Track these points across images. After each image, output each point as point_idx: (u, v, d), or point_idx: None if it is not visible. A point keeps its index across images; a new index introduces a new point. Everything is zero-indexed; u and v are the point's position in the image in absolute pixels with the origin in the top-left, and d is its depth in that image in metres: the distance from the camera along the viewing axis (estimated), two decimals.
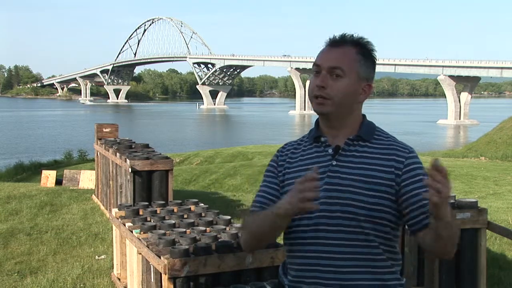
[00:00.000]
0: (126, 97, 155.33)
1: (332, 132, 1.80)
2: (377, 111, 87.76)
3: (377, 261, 1.72)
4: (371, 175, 1.71)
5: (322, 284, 1.72)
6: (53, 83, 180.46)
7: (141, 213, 4.65)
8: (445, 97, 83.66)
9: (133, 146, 7.54)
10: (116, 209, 4.86)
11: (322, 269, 1.71)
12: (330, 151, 1.78)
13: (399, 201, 1.72)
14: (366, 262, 1.71)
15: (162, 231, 3.94)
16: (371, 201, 1.69)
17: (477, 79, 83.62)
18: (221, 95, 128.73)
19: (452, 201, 3.80)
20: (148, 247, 3.65)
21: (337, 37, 1.77)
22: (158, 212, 4.62)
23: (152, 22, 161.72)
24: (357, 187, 1.70)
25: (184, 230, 4.03)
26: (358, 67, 1.75)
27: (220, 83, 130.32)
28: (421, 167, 1.75)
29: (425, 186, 1.61)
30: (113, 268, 5.27)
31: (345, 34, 1.78)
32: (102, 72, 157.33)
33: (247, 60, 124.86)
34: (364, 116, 1.84)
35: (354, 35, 1.78)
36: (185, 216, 4.49)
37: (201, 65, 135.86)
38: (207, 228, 4.05)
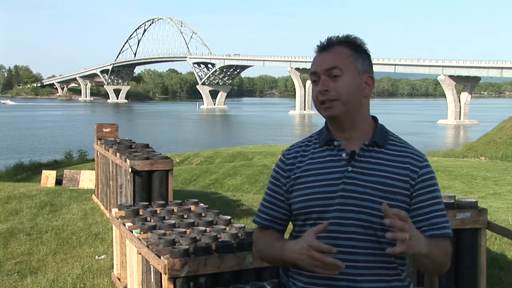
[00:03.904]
0: (126, 97, 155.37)
1: (344, 135, 1.77)
2: (377, 111, 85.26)
3: (390, 269, 1.72)
4: (387, 183, 1.69)
5: None
6: (53, 83, 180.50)
7: (141, 213, 4.65)
8: (445, 97, 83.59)
9: (133, 146, 7.54)
10: (116, 209, 4.87)
11: (336, 277, 1.68)
12: (344, 155, 1.75)
13: (409, 209, 1.72)
14: (380, 271, 1.70)
15: (162, 231, 3.94)
16: None
17: (477, 79, 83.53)
18: (221, 95, 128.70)
19: (452, 201, 3.80)
20: (148, 247, 3.65)
21: (324, 42, 1.76)
22: (158, 212, 4.63)
23: (152, 22, 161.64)
24: (373, 195, 1.68)
25: (184, 230, 4.03)
26: (353, 62, 1.74)
27: (220, 83, 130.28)
28: (434, 176, 1.76)
29: (435, 198, 1.70)
30: (113, 268, 5.27)
31: (331, 36, 1.77)
32: (102, 72, 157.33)
33: (247, 60, 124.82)
34: (376, 119, 1.83)
35: (340, 36, 1.77)
36: (185, 216, 4.49)
37: (201, 65, 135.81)
38: (207, 228, 4.05)
